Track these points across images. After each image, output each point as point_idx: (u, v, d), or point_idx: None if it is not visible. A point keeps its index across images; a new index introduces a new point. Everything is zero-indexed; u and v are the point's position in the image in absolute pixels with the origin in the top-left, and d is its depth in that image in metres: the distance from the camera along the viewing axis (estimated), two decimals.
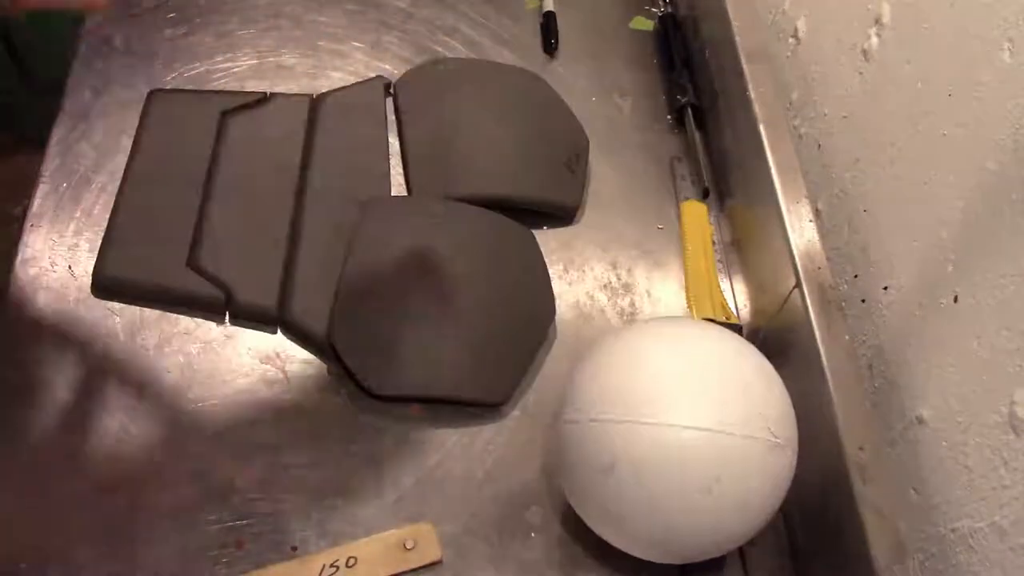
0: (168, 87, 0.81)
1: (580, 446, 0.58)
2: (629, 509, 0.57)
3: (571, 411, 0.60)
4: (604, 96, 0.91)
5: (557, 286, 0.77)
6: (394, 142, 0.82)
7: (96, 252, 0.71)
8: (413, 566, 0.62)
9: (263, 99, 0.81)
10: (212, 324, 0.70)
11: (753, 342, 0.64)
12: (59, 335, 0.67)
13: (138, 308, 0.70)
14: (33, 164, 0.75)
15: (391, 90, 0.85)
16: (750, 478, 0.56)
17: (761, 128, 0.77)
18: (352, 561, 0.61)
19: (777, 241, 0.73)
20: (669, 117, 0.91)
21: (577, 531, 0.65)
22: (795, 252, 0.71)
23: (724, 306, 0.78)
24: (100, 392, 0.65)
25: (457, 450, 0.68)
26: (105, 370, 0.66)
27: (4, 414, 0.63)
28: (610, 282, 0.79)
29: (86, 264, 0.71)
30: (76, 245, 0.72)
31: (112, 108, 0.79)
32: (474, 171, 0.80)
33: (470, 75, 0.86)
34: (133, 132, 0.77)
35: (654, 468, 0.55)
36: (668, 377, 0.58)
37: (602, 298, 0.78)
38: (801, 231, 0.72)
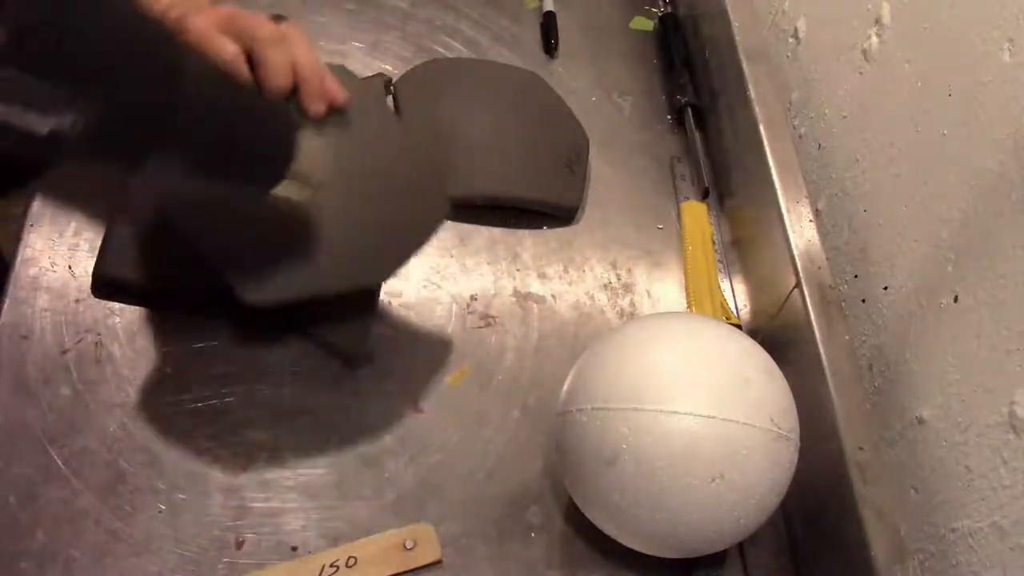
0: None
1: (583, 437, 0.58)
2: (632, 500, 0.57)
3: (574, 402, 0.60)
4: (604, 96, 0.91)
5: (557, 286, 0.77)
6: None
7: (96, 252, 0.71)
8: (413, 566, 0.62)
9: None
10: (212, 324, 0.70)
11: None
12: (59, 335, 0.67)
13: (138, 308, 0.70)
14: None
15: (391, 88, 0.85)
16: (753, 467, 0.56)
17: (761, 128, 0.77)
18: (352, 561, 0.61)
19: (777, 241, 0.73)
20: (669, 117, 0.91)
21: (577, 531, 0.65)
22: (795, 252, 0.71)
23: (724, 306, 0.78)
24: (100, 392, 0.65)
25: (457, 450, 0.68)
26: (105, 370, 0.66)
27: (5, 414, 0.63)
28: (610, 282, 0.79)
29: (86, 264, 0.71)
30: (76, 245, 0.72)
31: None
32: (474, 171, 0.80)
33: (470, 75, 0.86)
34: None
35: (657, 457, 0.55)
36: (671, 367, 0.58)
37: (602, 298, 0.78)
38: (801, 231, 0.72)
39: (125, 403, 0.65)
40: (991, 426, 0.58)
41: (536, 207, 0.80)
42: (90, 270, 0.70)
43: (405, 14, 0.92)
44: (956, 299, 0.62)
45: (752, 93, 0.79)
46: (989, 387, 0.58)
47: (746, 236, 0.81)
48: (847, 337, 0.67)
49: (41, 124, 0.40)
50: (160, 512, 0.62)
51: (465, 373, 0.71)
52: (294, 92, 0.57)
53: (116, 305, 0.70)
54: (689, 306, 0.78)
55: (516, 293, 0.76)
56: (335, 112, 0.60)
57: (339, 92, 0.59)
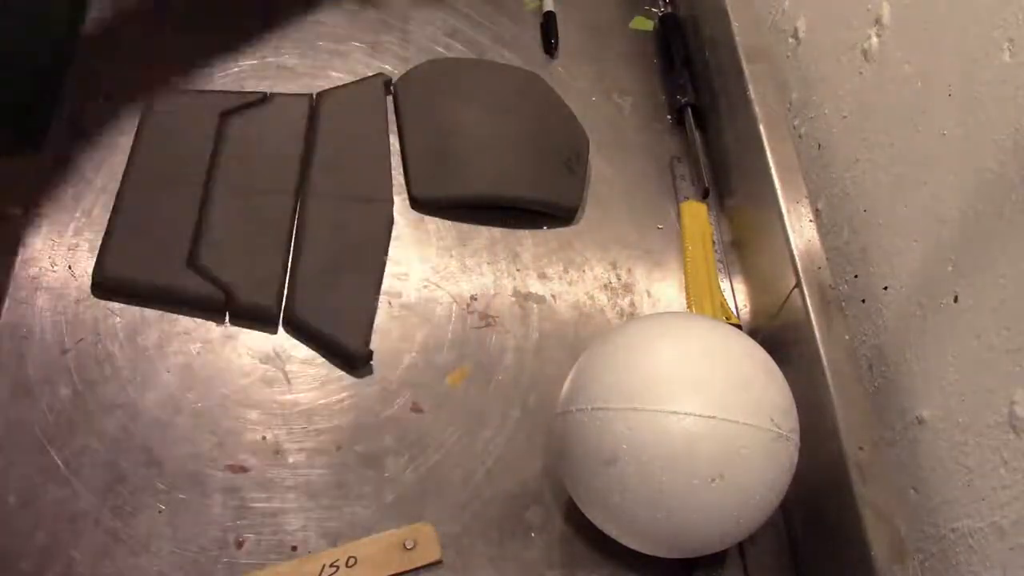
0: (168, 87, 0.81)
1: (582, 437, 0.58)
2: (632, 500, 0.57)
3: (573, 402, 0.60)
4: (604, 96, 0.91)
5: (557, 286, 0.77)
6: (394, 142, 0.82)
7: (96, 252, 0.71)
8: (413, 566, 0.62)
9: (263, 99, 0.81)
10: (212, 324, 0.70)
11: None
12: (59, 335, 0.67)
13: (138, 308, 0.70)
14: (33, 164, 0.75)
15: (391, 88, 0.85)
16: (753, 468, 0.56)
17: (761, 128, 0.77)
18: (352, 561, 0.61)
19: (777, 241, 0.73)
20: (669, 117, 0.91)
21: (577, 531, 0.65)
22: (795, 252, 0.71)
23: (724, 306, 0.78)
24: (100, 392, 0.65)
25: (457, 450, 0.68)
26: (105, 370, 0.66)
27: (5, 414, 0.63)
28: (610, 282, 0.79)
29: (86, 264, 0.71)
30: (76, 245, 0.72)
31: (112, 108, 0.79)
32: (474, 171, 0.80)
33: (470, 75, 0.86)
34: (133, 132, 0.77)
35: (657, 457, 0.55)
36: (671, 367, 0.58)
37: (602, 298, 0.78)
38: (801, 231, 0.72)
39: (125, 403, 0.65)
40: (991, 426, 0.58)
41: (536, 207, 0.80)
42: (90, 270, 0.70)
43: (405, 14, 0.92)
44: (956, 299, 0.62)
45: (752, 93, 0.79)
46: (989, 387, 0.58)
47: (746, 236, 0.81)
48: (847, 337, 0.67)
49: None
50: (160, 512, 0.62)
51: (465, 373, 0.71)
52: None
53: (116, 305, 0.70)
54: (689, 306, 0.78)
55: (516, 293, 0.76)
56: None
57: None
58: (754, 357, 0.60)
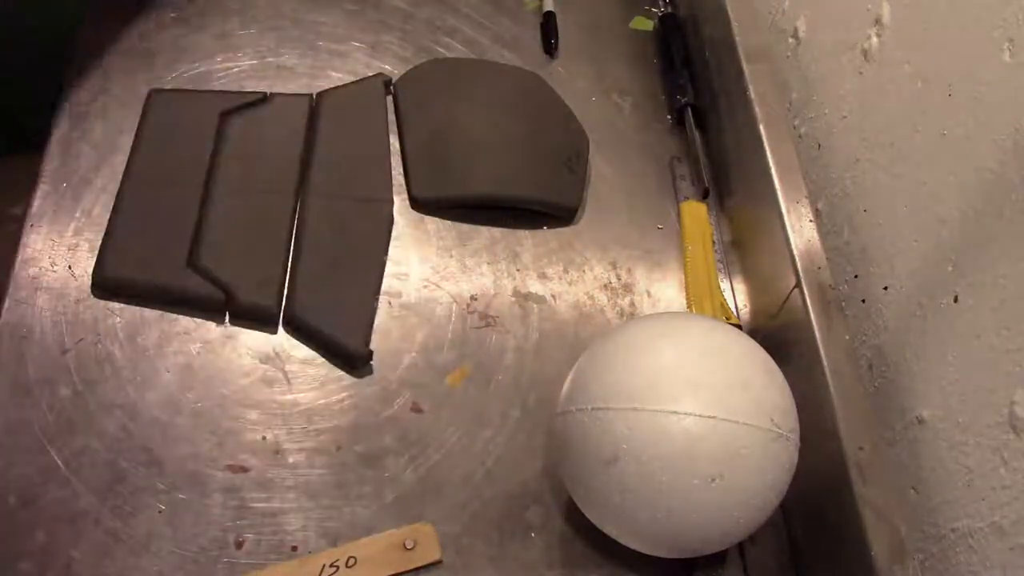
0: (168, 87, 0.81)
1: (583, 437, 0.58)
2: (632, 500, 0.57)
3: (574, 402, 0.60)
4: (604, 96, 0.91)
5: (557, 286, 0.77)
6: (394, 142, 0.82)
7: (96, 252, 0.71)
8: (413, 566, 0.62)
9: (263, 99, 0.81)
10: (212, 324, 0.70)
11: None
12: (59, 335, 0.67)
13: (138, 308, 0.70)
14: (33, 164, 0.75)
15: (391, 88, 0.85)
16: (753, 468, 0.56)
17: (761, 128, 0.77)
18: (352, 561, 0.61)
19: (777, 241, 0.73)
20: (669, 117, 0.91)
21: (577, 531, 0.65)
22: (795, 252, 0.71)
23: (724, 306, 0.78)
24: (100, 392, 0.65)
25: (457, 450, 0.68)
26: (105, 370, 0.66)
27: (5, 414, 0.63)
28: (610, 282, 0.79)
29: (86, 264, 0.71)
30: (76, 245, 0.72)
31: (112, 108, 0.79)
32: (474, 171, 0.80)
33: (470, 75, 0.86)
34: (133, 132, 0.77)
35: (657, 457, 0.55)
36: (671, 367, 0.58)
37: (602, 298, 0.78)
38: (801, 231, 0.72)
39: (125, 403, 0.65)
40: (991, 426, 0.58)
41: (536, 207, 0.80)
42: (90, 270, 0.70)
43: (405, 14, 0.92)
44: (956, 299, 0.62)
45: (752, 93, 0.79)
46: (989, 387, 0.58)
47: (746, 236, 0.81)
48: (847, 337, 0.67)
49: None
50: (160, 512, 0.62)
51: (465, 373, 0.72)
52: None
53: (116, 305, 0.70)
54: (689, 306, 0.78)
55: (516, 293, 0.76)
56: None
57: None
58: (754, 357, 0.60)
